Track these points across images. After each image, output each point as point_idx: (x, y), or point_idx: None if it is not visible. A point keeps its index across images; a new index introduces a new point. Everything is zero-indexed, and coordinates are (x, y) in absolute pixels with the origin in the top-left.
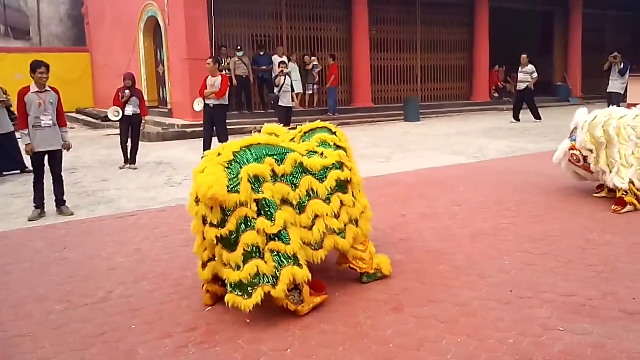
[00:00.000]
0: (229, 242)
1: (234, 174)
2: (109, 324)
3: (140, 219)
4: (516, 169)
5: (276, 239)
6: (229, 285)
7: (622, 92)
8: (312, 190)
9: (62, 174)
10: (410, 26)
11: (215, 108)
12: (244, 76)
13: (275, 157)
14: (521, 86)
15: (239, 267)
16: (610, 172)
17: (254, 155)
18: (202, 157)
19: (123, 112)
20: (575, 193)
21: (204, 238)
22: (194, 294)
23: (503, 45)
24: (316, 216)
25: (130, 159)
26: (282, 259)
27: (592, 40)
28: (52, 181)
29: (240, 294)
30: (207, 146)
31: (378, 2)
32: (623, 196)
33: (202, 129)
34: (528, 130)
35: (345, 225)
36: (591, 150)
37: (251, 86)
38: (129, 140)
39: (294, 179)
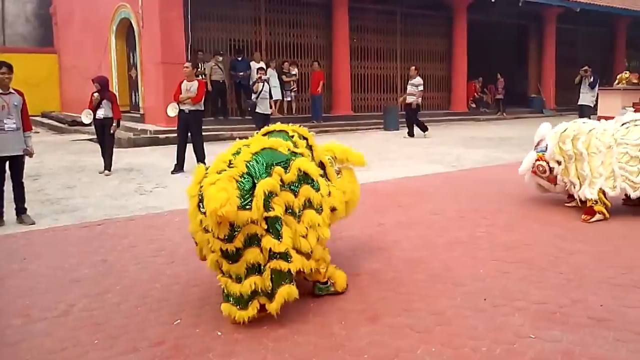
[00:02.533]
0: (232, 255)
1: (246, 189)
2: (70, 339)
3: (107, 228)
4: (492, 178)
5: (279, 257)
6: (226, 294)
7: (593, 105)
8: (309, 200)
9: (24, 180)
10: (391, 35)
11: (191, 113)
12: (221, 81)
13: (282, 164)
14: (410, 99)
15: (239, 280)
16: (581, 185)
17: (265, 164)
18: (174, 165)
19: (95, 116)
20: (548, 202)
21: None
22: (162, 306)
23: (480, 57)
24: (310, 226)
25: (105, 165)
26: (281, 278)
27: (565, 54)
28: (12, 188)
29: (235, 304)
30: (180, 153)
31: (359, 11)
32: (592, 205)
33: (175, 135)
34: (505, 140)
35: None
36: (559, 162)
37: (228, 92)
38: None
39: (295, 187)
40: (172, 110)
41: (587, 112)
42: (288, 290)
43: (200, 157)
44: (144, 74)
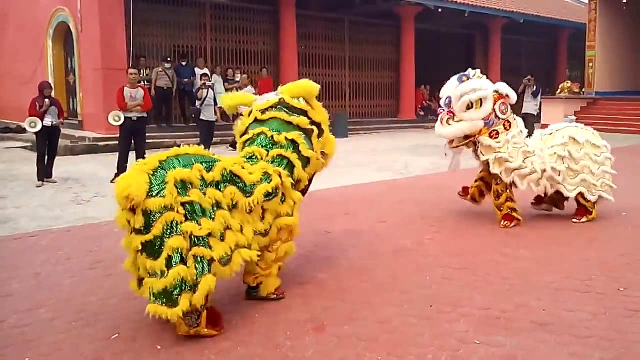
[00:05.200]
0: (154, 249)
1: (159, 180)
2: None
3: (41, 240)
4: (439, 185)
5: (201, 243)
6: (151, 295)
7: (536, 114)
8: (233, 201)
9: None
10: (339, 43)
11: (139, 121)
12: (166, 88)
13: (204, 164)
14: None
15: (163, 274)
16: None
17: (182, 163)
18: (115, 174)
19: (42, 123)
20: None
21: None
22: (99, 320)
23: (428, 66)
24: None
25: (48, 173)
26: (205, 265)
27: (510, 63)
28: None
29: (164, 302)
30: (123, 161)
31: (306, 18)
32: (509, 212)
33: (116, 142)
34: None
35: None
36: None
37: (172, 99)
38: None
39: (221, 186)
40: (115, 120)
41: (531, 120)
42: (210, 281)
43: None
44: (83, 79)
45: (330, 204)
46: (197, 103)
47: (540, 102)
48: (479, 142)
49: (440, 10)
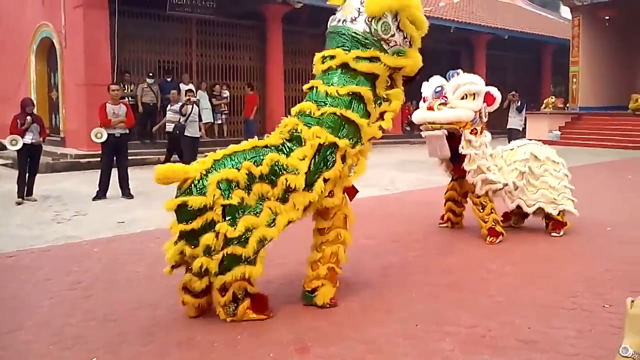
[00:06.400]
0: (192, 239)
1: (207, 180)
2: None
3: (19, 260)
4: (426, 201)
5: (236, 243)
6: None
7: (521, 128)
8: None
9: None
10: None
11: (122, 137)
12: (151, 104)
13: (254, 158)
14: (171, 127)
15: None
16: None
17: (233, 161)
18: (97, 191)
19: (23, 140)
20: (478, 225)
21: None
22: (77, 343)
23: (415, 81)
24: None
25: (27, 191)
26: (235, 261)
27: (495, 79)
28: None
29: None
30: (105, 178)
31: (293, 34)
32: (493, 226)
33: (98, 159)
34: (437, 162)
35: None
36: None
37: (157, 114)
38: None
39: (271, 177)
40: (97, 136)
41: (516, 135)
42: (242, 270)
43: (125, 183)
44: (66, 96)
45: None
46: (182, 119)
47: (525, 117)
48: (462, 134)
49: None
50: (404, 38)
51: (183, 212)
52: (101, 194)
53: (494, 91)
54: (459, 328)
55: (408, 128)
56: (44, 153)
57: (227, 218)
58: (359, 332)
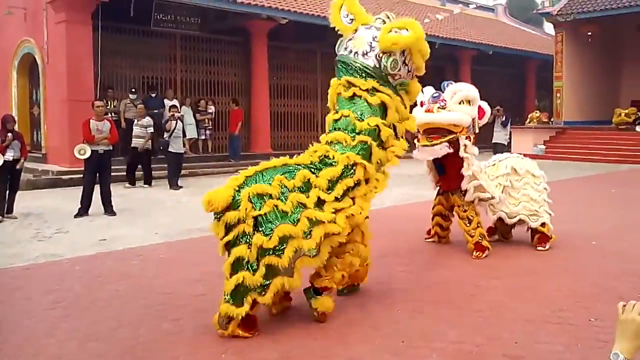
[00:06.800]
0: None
1: (239, 195)
2: None
3: None
4: (412, 216)
5: (272, 253)
6: (224, 295)
7: (506, 143)
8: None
9: None
10: (311, 74)
11: (106, 154)
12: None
13: (286, 174)
14: (137, 142)
15: (230, 277)
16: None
17: (265, 177)
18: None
19: (4, 158)
20: (464, 240)
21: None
22: None
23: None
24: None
25: (8, 208)
26: (275, 272)
27: (480, 94)
28: None
29: (233, 303)
30: (88, 195)
31: (278, 49)
32: (479, 241)
33: (80, 175)
34: (425, 177)
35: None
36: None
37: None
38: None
39: (304, 190)
40: (80, 153)
41: (501, 149)
42: (281, 281)
43: (108, 199)
44: (48, 111)
45: None
46: (165, 135)
47: (510, 132)
48: (459, 139)
49: None
50: (409, 71)
51: (225, 229)
52: (83, 211)
53: (485, 105)
54: (446, 344)
55: None
56: (25, 169)
57: (260, 229)
58: (344, 349)
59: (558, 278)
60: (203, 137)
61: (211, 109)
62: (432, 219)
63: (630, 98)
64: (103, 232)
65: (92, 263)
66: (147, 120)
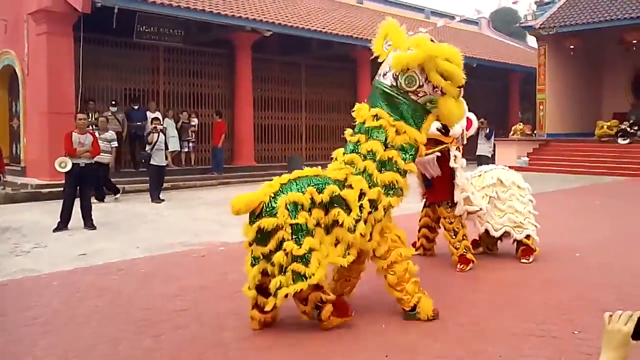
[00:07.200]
0: (270, 259)
1: (276, 202)
2: None
3: None
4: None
5: (299, 260)
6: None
7: (490, 155)
8: (337, 221)
9: None
10: (295, 86)
11: (87, 167)
12: (115, 132)
13: (317, 186)
14: (102, 158)
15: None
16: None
17: (298, 185)
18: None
19: None
20: (449, 252)
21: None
22: None
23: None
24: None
25: None
26: (299, 278)
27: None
28: None
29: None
30: (68, 209)
31: (262, 61)
32: (464, 253)
33: (60, 189)
34: (411, 190)
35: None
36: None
37: (122, 143)
38: None
39: (328, 206)
40: (61, 166)
41: (485, 161)
42: (302, 285)
43: (88, 213)
44: (28, 124)
45: None
46: (147, 147)
47: (494, 144)
48: (449, 150)
49: None
50: (434, 88)
51: (258, 234)
52: (62, 225)
53: (472, 116)
54: (429, 358)
55: None
56: (2, 183)
57: (293, 237)
58: None
59: (542, 291)
60: (186, 150)
61: (194, 121)
62: (419, 230)
63: (612, 110)
64: (83, 246)
65: (71, 278)
66: (111, 134)
